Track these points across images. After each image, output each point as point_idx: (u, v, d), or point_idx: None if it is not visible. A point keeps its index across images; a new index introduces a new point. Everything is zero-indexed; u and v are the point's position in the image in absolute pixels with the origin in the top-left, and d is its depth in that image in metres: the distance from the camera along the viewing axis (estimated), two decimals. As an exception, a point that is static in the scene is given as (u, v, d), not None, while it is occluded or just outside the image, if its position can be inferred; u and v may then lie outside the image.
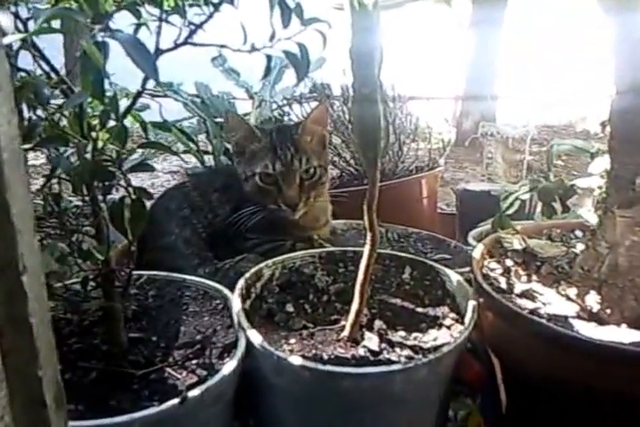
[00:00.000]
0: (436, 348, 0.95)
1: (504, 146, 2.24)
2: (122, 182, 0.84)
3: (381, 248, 1.17)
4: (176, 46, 0.76)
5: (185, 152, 1.59)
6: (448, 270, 1.18)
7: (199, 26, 0.75)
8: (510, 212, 1.30)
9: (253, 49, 0.76)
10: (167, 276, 1.19)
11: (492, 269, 1.13)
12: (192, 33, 0.75)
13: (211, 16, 0.75)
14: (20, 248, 0.46)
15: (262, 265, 1.18)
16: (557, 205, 1.46)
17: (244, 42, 0.76)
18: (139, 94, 0.78)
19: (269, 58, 0.79)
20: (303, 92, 2.23)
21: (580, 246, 1.17)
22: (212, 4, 0.74)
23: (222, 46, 0.78)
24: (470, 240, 1.54)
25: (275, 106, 2.11)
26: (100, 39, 0.58)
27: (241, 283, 1.09)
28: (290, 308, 1.10)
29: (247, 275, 1.12)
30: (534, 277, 1.10)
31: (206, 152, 1.87)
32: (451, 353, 0.91)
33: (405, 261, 1.26)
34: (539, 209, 1.62)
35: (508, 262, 1.15)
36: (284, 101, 2.16)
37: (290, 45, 0.80)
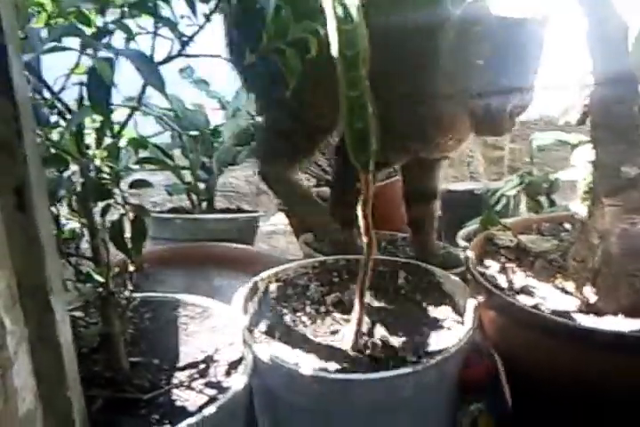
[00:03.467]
0: (441, 350, 0.95)
1: (483, 143, 2.24)
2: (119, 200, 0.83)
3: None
4: (170, 58, 0.76)
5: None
6: (444, 272, 1.18)
7: (191, 37, 0.76)
8: (498, 208, 1.31)
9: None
10: (162, 297, 1.17)
11: (488, 267, 1.13)
12: (185, 44, 0.76)
13: (202, 27, 0.76)
14: (48, 270, 0.46)
15: (257, 279, 1.17)
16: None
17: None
18: (134, 110, 0.78)
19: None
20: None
21: (570, 239, 1.18)
22: (203, 15, 0.75)
23: (215, 56, 0.79)
24: (459, 241, 1.54)
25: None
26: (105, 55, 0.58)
27: (239, 299, 1.08)
28: (289, 321, 1.09)
29: (244, 290, 1.12)
30: (530, 273, 1.11)
31: (183, 168, 1.84)
32: (457, 353, 0.91)
33: (399, 265, 1.26)
34: (522, 205, 1.63)
35: (503, 259, 1.16)
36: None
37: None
